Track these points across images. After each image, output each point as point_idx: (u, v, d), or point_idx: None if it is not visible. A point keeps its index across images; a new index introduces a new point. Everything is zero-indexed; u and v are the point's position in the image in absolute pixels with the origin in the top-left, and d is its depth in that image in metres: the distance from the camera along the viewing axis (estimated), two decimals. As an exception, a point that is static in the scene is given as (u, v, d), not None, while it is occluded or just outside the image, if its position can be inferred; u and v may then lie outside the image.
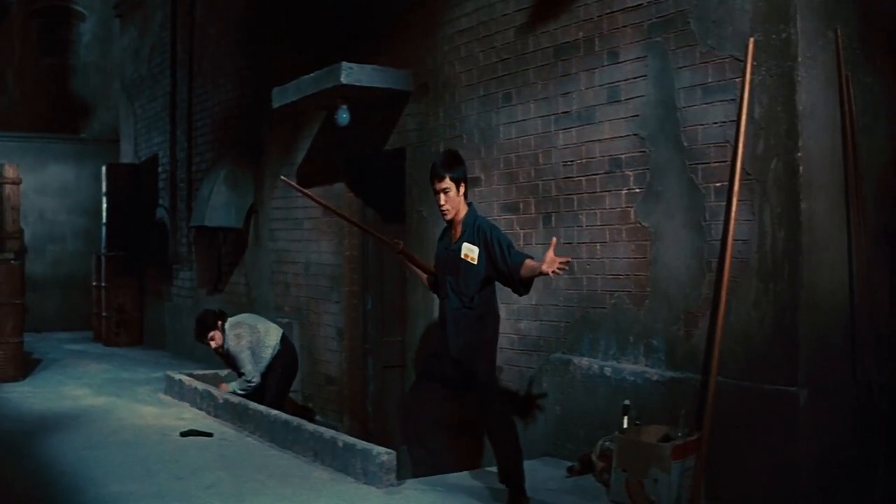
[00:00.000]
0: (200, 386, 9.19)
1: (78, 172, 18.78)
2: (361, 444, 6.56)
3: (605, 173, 6.72)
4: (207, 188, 12.00)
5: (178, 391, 9.71)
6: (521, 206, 7.36)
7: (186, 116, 14.33)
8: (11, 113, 18.92)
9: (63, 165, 18.82)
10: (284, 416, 7.57)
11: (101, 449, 7.44)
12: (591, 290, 6.81)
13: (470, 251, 5.80)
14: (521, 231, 7.35)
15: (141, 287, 16.07)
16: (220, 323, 9.02)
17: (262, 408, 7.98)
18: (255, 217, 11.91)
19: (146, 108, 16.45)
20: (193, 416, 8.82)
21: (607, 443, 6.16)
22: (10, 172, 15.08)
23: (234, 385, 9.02)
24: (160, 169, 15.40)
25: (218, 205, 11.71)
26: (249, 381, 8.88)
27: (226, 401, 8.54)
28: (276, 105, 9.88)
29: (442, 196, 5.81)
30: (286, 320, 10.66)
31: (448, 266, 5.95)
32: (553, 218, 7.12)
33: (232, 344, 8.94)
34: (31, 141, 18.43)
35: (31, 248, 18.19)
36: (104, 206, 16.17)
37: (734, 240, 5.73)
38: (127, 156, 17.48)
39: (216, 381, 9.90)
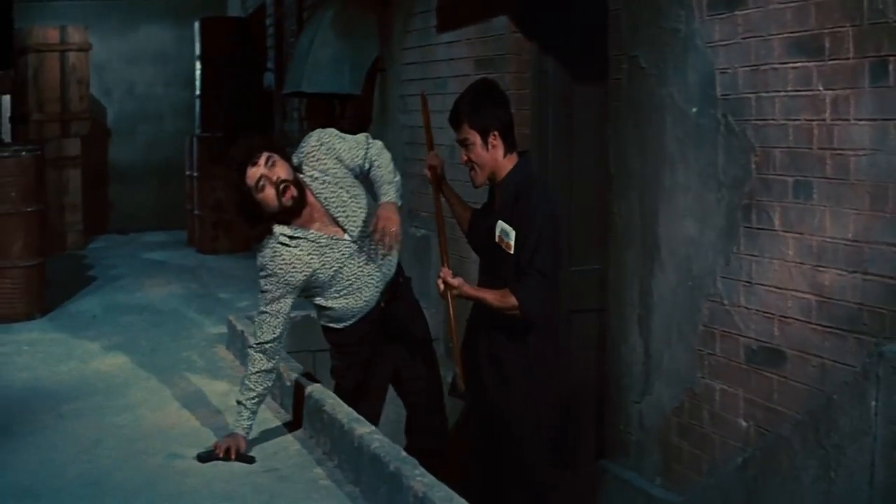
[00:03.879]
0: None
1: (178, 34, 16.68)
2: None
3: None
4: (307, 38, 9.89)
5: (240, 349, 7.12)
6: (828, 42, 4.80)
7: (299, -59, 12.44)
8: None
9: (158, 26, 16.93)
10: (379, 441, 4.65)
11: (38, 499, 4.86)
12: None
13: (505, 234, 5.04)
14: (827, 92, 4.81)
15: (247, 178, 13.94)
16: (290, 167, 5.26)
17: (348, 416, 5.12)
18: (381, 78, 9.87)
19: (255, -64, 14.90)
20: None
21: None
22: (75, 37, 13.63)
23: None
24: (268, 21, 13.73)
25: (323, 62, 9.63)
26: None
27: (297, 382, 5.80)
28: None
29: (463, 152, 5.12)
30: (422, 231, 8.82)
31: (482, 249, 5.36)
32: (895, 65, 4.47)
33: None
34: (116, -2, 16.80)
35: (115, 130, 16.61)
36: (197, 73, 14.44)
37: None
38: (235, 8, 16.04)
39: (305, 326, 7.50)
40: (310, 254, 5.15)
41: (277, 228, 5.11)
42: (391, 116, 9.64)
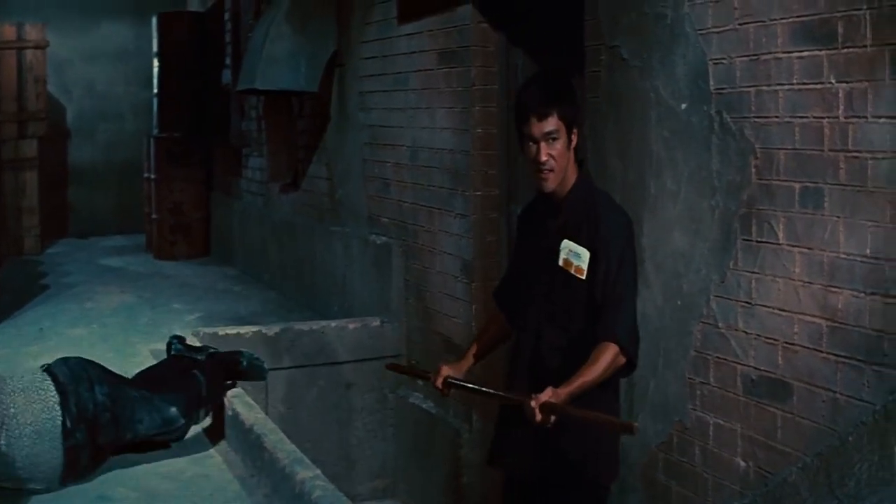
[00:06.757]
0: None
1: (139, 31, 16.13)
2: None
3: None
4: (261, 31, 9.17)
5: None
6: (841, 27, 4.30)
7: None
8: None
9: (119, 23, 16.37)
10: (322, 489, 4.12)
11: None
12: None
13: (573, 256, 4.26)
14: (840, 85, 4.36)
15: (206, 180, 13.61)
16: None
17: (290, 455, 4.61)
18: (340, 74, 9.22)
19: (212, -74, 14.11)
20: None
21: None
22: (32, 34, 13.26)
23: None
24: (226, 15, 12.93)
25: (277, 56, 8.93)
26: None
27: (236, 413, 5.10)
28: None
29: (543, 147, 4.21)
30: (382, 239, 8.19)
31: (537, 274, 4.40)
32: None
33: None
34: (76, -8, 16.41)
35: (75, 130, 16.07)
36: (155, 70, 13.94)
37: None
38: (196, 2, 15.32)
39: (255, 343, 6.99)
40: None
41: None
42: (350, 115, 9.03)
